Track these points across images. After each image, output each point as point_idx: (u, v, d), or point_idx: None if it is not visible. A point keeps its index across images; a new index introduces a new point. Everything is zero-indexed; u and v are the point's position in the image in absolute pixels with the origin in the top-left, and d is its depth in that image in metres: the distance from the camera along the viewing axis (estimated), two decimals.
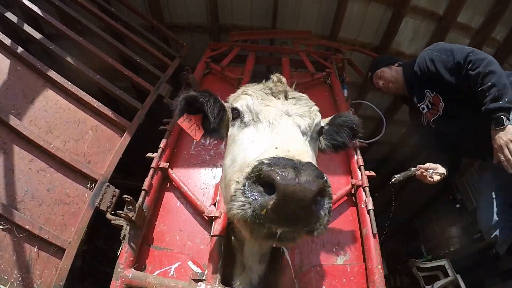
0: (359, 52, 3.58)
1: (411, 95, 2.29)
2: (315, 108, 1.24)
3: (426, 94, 2.15)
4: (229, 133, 1.21)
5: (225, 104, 1.26)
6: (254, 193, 0.71)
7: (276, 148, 0.82)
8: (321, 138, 1.36)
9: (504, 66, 3.74)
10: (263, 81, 1.31)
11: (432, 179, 2.10)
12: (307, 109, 1.18)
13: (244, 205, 0.72)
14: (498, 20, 3.38)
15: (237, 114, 1.14)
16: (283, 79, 1.30)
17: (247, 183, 0.73)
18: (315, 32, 3.58)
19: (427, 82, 2.13)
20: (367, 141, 2.52)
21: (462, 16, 3.36)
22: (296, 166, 0.68)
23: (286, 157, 0.72)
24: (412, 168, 2.12)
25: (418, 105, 2.23)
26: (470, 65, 1.83)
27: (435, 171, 2.09)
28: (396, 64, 2.43)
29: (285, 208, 0.67)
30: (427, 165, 2.12)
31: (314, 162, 0.95)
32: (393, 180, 1.99)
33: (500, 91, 1.72)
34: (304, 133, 1.09)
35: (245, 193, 0.72)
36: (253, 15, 3.59)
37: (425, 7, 3.36)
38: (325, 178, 0.72)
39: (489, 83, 1.75)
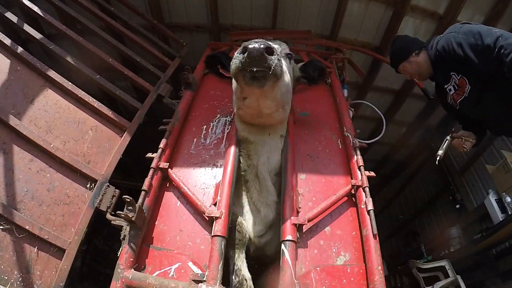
0: (359, 52, 3.58)
1: (437, 76, 2.25)
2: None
3: (452, 76, 2.11)
4: None
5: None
6: (239, 55, 1.33)
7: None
8: (297, 69, 2.02)
9: None
10: None
11: (465, 147, 2.24)
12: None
13: (236, 61, 1.34)
14: (498, 20, 3.38)
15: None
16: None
17: (237, 53, 1.35)
18: (315, 32, 3.58)
19: (453, 65, 2.06)
20: (367, 142, 2.51)
21: (462, 15, 3.36)
22: (257, 41, 1.28)
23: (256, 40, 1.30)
24: (448, 137, 2.27)
25: (445, 86, 2.19)
26: (502, 51, 1.76)
27: (467, 138, 2.23)
28: (414, 54, 2.27)
29: (251, 54, 1.27)
30: (461, 133, 2.28)
31: (278, 52, 1.40)
32: (437, 158, 2.18)
33: None
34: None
35: (236, 57, 1.35)
36: (253, 15, 3.59)
37: (425, 7, 3.36)
38: (272, 46, 1.30)
39: None
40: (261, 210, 1.72)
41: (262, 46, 1.25)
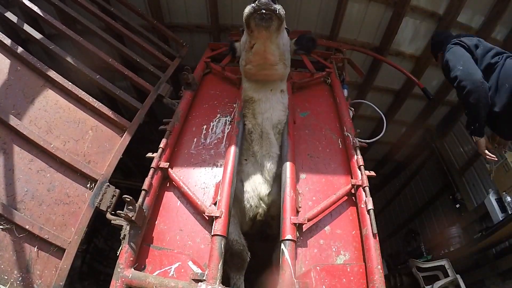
0: (359, 52, 3.58)
1: None
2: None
3: None
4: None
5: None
6: (250, 4, 1.63)
7: None
8: (292, 44, 2.21)
9: None
10: None
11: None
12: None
13: (248, 7, 1.65)
14: (498, 20, 3.38)
15: None
16: None
17: (250, 5, 1.63)
18: (315, 32, 3.58)
19: None
20: (368, 141, 2.51)
21: (462, 16, 3.36)
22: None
23: None
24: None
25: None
26: (456, 90, 2.23)
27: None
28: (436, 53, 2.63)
29: (261, 1, 1.59)
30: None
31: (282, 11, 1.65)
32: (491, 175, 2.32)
33: (471, 123, 2.21)
34: None
35: (247, 7, 1.65)
36: None
37: (425, 7, 3.36)
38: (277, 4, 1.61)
39: (466, 112, 2.23)
40: (266, 164, 1.90)
41: None
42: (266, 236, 1.96)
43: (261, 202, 1.87)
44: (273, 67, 1.89)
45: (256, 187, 1.88)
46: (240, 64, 2.04)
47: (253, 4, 1.62)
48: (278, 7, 1.61)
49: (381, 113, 3.24)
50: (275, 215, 1.83)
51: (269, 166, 1.89)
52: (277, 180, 1.88)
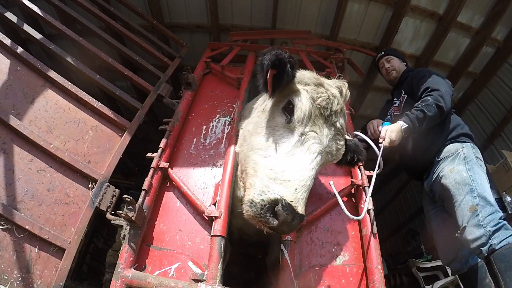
0: (359, 52, 3.58)
1: (395, 90, 2.83)
2: (343, 143, 1.45)
3: (401, 93, 2.62)
4: (270, 107, 1.41)
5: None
6: (267, 215, 1.12)
7: (295, 189, 1.16)
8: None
9: (504, 66, 3.75)
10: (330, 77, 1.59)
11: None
12: (339, 147, 1.41)
13: (258, 215, 1.13)
14: (498, 20, 3.38)
15: (290, 109, 1.34)
16: (338, 97, 1.43)
17: (266, 206, 1.12)
18: (315, 32, 3.58)
19: (406, 86, 2.60)
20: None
21: (462, 16, 3.36)
22: (294, 214, 1.10)
23: (294, 205, 1.11)
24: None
25: (394, 99, 2.72)
26: (431, 95, 2.24)
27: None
28: (404, 64, 2.88)
29: (280, 226, 1.10)
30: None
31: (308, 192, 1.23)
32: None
33: (419, 122, 2.15)
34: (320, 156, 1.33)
35: (262, 209, 1.12)
36: (253, 15, 3.59)
37: (425, 7, 3.36)
38: (304, 218, 1.14)
39: (424, 115, 2.16)
40: None
41: (293, 225, 1.11)
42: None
43: None
44: None
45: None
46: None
47: (268, 217, 1.12)
48: (298, 222, 1.12)
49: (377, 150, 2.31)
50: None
51: None
52: None
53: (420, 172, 2.44)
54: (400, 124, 2.13)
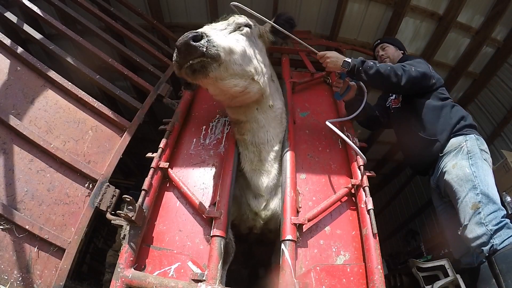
0: (359, 52, 3.58)
1: None
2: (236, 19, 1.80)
3: None
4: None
5: None
6: (174, 55, 1.33)
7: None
8: (266, 33, 1.99)
9: (504, 66, 3.75)
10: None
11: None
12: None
13: (173, 61, 1.34)
14: (498, 20, 3.38)
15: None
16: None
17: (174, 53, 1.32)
18: (315, 32, 3.58)
19: None
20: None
21: (462, 16, 3.36)
22: (185, 34, 1.24)
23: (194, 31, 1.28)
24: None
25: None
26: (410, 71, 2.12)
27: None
28: (401, 52, 2.77)
29: (179, 49, 1.26)
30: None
31: (219, 35, 1.42)
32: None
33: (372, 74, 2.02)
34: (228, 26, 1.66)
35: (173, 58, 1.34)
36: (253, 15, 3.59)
37: (425, 7, 3.35)
38: (197, 33, 1.27)
39: (381, 74, 2.05)
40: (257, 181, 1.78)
41: (187, 37, 1.22)
42: (263, 241, 1.94)
43: (256, 216, 1.82)
44: (244, 92, 1.58)
45: (250, 203, 1.82)
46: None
47: (175, 56, 1.30)
48: (204, 45, 1.25)
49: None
50: (273, 228, 1.81)
51: (267, 180, 1.80)
52: (277, 194, 1.82)
53: (425, 167, 2.36)
54: (347, 58, 2.02)
